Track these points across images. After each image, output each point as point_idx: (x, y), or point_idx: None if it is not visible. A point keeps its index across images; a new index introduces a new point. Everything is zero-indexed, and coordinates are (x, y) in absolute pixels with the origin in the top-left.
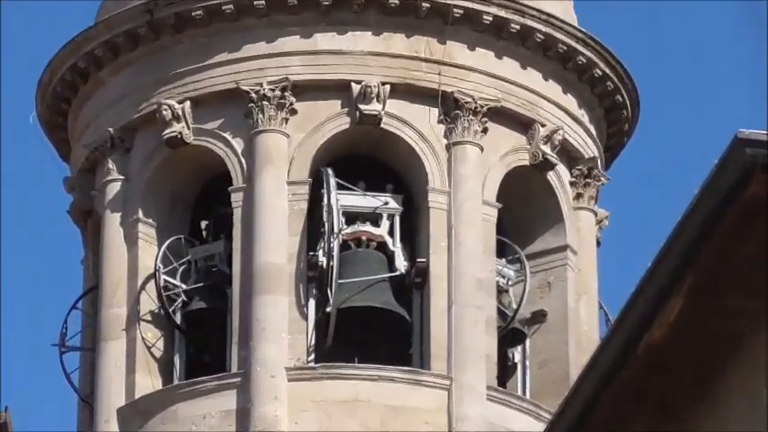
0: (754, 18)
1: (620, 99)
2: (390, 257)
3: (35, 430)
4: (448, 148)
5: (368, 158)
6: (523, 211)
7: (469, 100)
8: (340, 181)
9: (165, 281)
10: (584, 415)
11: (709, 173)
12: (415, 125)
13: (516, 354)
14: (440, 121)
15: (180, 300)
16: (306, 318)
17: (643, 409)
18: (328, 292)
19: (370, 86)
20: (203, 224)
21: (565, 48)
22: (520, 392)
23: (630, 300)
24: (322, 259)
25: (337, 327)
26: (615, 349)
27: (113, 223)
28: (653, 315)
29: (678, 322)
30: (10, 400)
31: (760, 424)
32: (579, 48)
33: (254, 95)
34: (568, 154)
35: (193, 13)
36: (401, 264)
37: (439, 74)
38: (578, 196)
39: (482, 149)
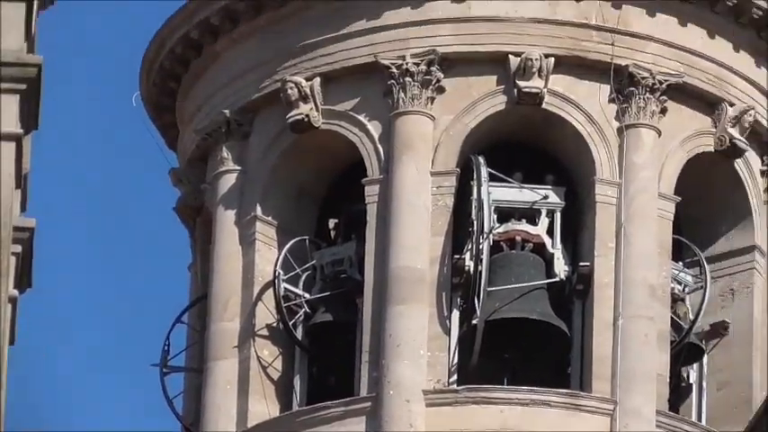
0: None
1: None
2: (549, 261)
3: None
4: (620, 132)
5: (526, 145)
6: (705, 206)
7: (647, 75)
8: (493, 171)
9: (286, 290)
10: None
11: None
12: (583, 105)
13: (692, 373)
14: (611, 101)
15: (302, 312)
16: (448, 332)
17: None
18: (475, 301)
19: (531, 59)
20: (332, 223)
21: (760, 12)
22: (695, 418)
23: None
24: (469, 263)
25: (485, 342)
26: None
27: (227, 222)
28: None
29: None
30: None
31: None
32: None
33: (395, 71)
34: (760, 138)
35: None
36: (561, 268)
37: (612, 44)
38: None
39: (660, 133)
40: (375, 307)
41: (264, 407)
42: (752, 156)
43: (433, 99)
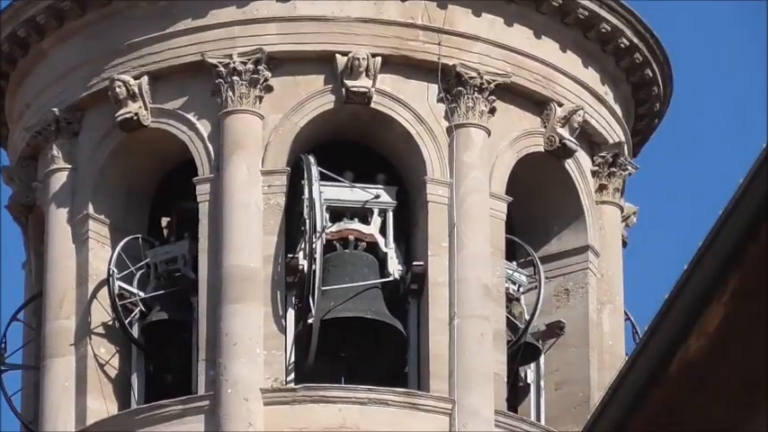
0: None
1: (651, 74)
2: (382, 260)
3: None
4: (449, 131)
5: (356, 144)
6: (537, 206)
7: (474, 75)
8: (323, 170)
9: (120, 288)
10: None
11: (755, 160)
12: (411, 104)
13: (529, 372)
14: (440, 100)
15: (137, 310)
16: (284, 331)
17: None
18: (310, 300)
19: (359, 59)
20: (164, 221)
21: (586, 13)
22: (533, 417)
23: (663, 308)
24: (303, 262)
25: (321, 341)
26: (645, 366)
27: (59, 220)
28: (689, 325)
29: (718, 333)
30: None
31: None
32: (603, 13)
33: (222, 69)
34: (590, 138)
35: None
36: (395, 267)
37: (439, 44)
38: (601, 188)
39: (489, 133)
40: (210, 305)
41: (103, 405)
42: (582, 156)
43: (261, 98)
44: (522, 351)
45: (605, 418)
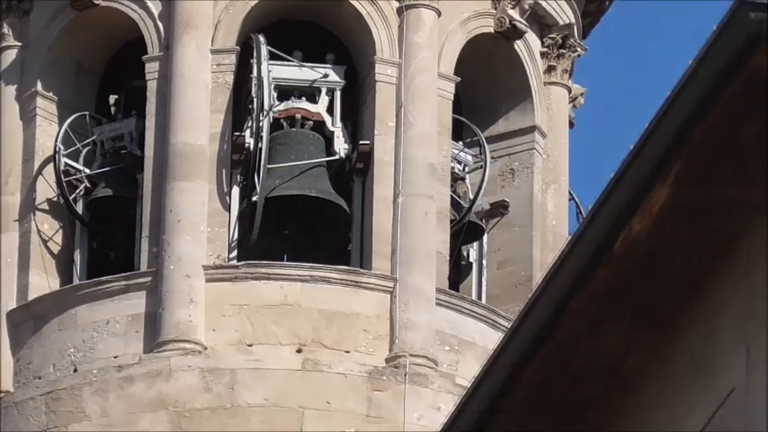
0: None
1: None
2: (329, 139)
3: None
4: (400, 11)
5: (306, 24)
6: (485, 87)
7: None
8: (272, 49)
9: (66, 164)
10: (550, 324)
11: (705, 43)
12: None
13: (472, 251)
14: None
15: (82, 186)
16: (228, 208)
17: (619, 317)
18: (255, 178)
19: None
20: (112, 99)
21: None
22: (475, 296)
23: (608, 188)
24: (249, 140)
25: (264, 219)
26: (588, 245)
27: (8, 97)
28: (633, 206)
29: (663, 215)
30: None
31: (758, 334)
32: None
33: None
34: (540, 20)
35: None
36: (341, 146)
37: None
38: (550, 69)
39: (439, 14)
40: (155, 183)
41: (45, 280)
42: (532, 37)
43: None
44: (465, 230)
45: (547, 296)
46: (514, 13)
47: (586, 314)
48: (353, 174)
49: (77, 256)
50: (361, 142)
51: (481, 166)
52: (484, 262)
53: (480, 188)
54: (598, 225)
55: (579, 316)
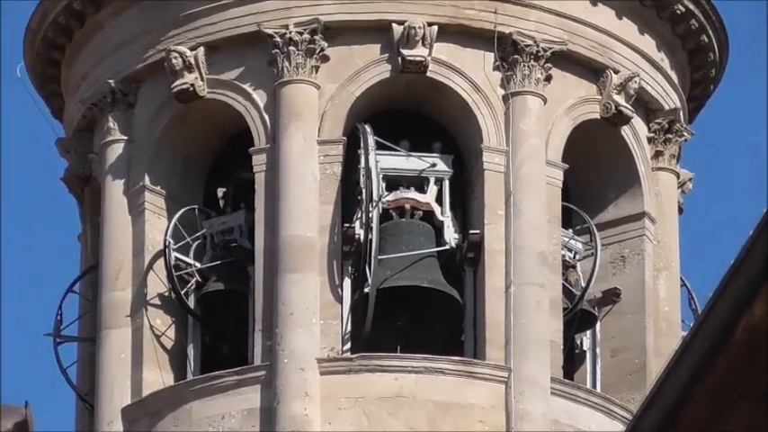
0: None
1: (706, 40)
2: (438, 229)
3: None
4: (505, 99)
5: (412, 113)
6: (593, 174)
7: (530, 42)
8: (380, 140)
9: (177, 259)
10: (672, 413)
11: None
12: (468, 73)
13: (585, 340)
14: (496, 68)
15: (193, 281)
16: (340, 300)
17: (743, 403)
18: (366, 269)
19: (415, 28)
20: (220, 192)
21: None
22: (589, 385)
23: (728, 273)
24: (359, 231)
25: (377, 310)
26: (710, 332)
27: (115, 192)
28: (754, 291)
29: None
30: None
31: None
32: None
33: (278, 40)
34: (646, 105)
35: None
36: (451, 236)
37: (495, 12)
38: (657, 155)
39: (545, 101)
40: (266, 275)
41: (159, 376)
42: (638, 123)
43: (317, 68)
44: (578, 318)
45: (668, 386)
46: (620, 99)
47: (710, 401)
48: (464, 263)
49: (190, 351)
50: (471, 231)
51: (592, 254)
52: (597, 350)
53: (592, 276)
54: (719, 311)
55: (703, 403)
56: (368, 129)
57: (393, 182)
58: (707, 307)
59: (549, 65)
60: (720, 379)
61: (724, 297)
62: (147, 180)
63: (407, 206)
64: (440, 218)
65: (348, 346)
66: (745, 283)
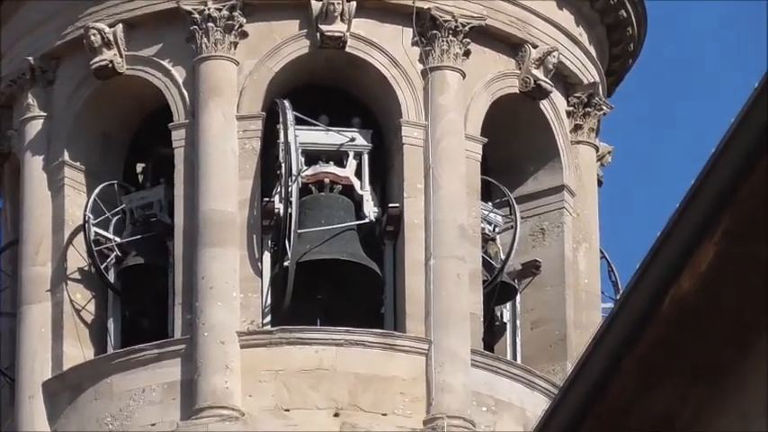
0: None
1: (625, 14)
2: (358, 202)
3: None
4: (424, 74)
5: (331, 88)
6: (513, 147)
7: (449, 18)
8: (299, 114)
9: (96, 233)
10: (600, 385)
11: (751, 94)
12: (386, 48)
13: (505, 312)
14: (414, 44)
15: (113, 255)
16: (260, 274)
17: (669, 375)
18: (286, 243)
19: (333, 3)
20: (139, 167)
21: None
22: (509, 357)
23: (656, 246)
24: (278, 206)
25: (297, 284)
26: (638, 304)
27: (35, 168)
28: (681, 264)
29: (711, 272)
30: None
31: None
32: None
33: (197, 16)
34: (565, 79)
35: None
36: (370, 210)
37: None
38: (576, 128)
39: (464, 75)
40: (186, 250)
41: (79, 350)
42: (557, 97)
43: (236, 44)
44: (497, 291)
45: (596, 358)
46: (539, 73)
47: (637, 373)
48: (384, 237)
49: (111, 325)
50: (390, 205)
51: (511, 227)
52: (518, 322)
53: (512, 248)
54: (647, 283)
55: (630, 375)
56: (287, 104)
57: (312, 156)
58: (634, 278)
59: (468, 40)
60: (646, 352)
61: (650, 269)
62: (66, 156)
63: (327, 180)
64: (359, 192)
65: (268, 319)
66: (673, 254)
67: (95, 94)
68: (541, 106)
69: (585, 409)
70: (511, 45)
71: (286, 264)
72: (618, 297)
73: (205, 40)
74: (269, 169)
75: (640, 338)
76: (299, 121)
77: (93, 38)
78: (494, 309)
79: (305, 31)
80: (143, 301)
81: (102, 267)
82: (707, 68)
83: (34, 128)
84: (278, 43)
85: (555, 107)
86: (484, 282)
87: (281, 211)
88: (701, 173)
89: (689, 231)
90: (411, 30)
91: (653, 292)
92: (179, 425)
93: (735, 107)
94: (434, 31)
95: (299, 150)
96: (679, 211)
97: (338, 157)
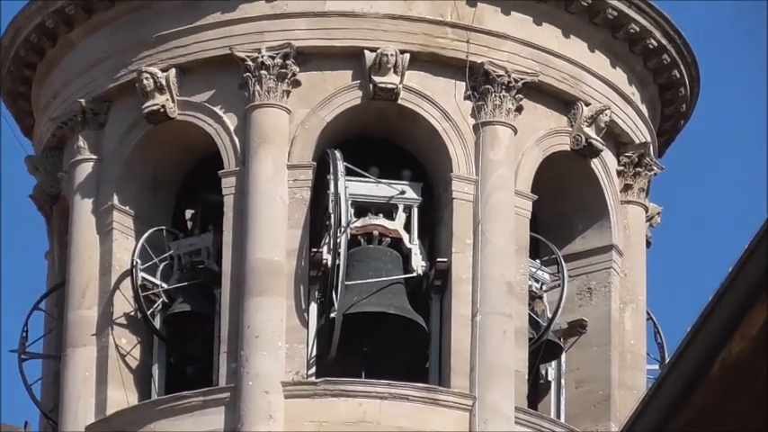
0: None
1: (678, 75)
2: (406, 256)
3: None
4: (476, 128)
5: (382, 140)
6: (562, 205)
7: (502, 73)
8: (349, 165)
9: (144, 279)
10: None
11: None
12: (438, 102)
13: (550, 370)
14: (467, 98)
15: (160, 301)
16: (306, 325)
17: None
18: (333, 294)
19: (387, 55)
20: (188, 214)
21: (615, 13)
22: (553, 415)
23: (706, 309)
24: (326, 256)
25: (343, 335)
26: (687, 367)
27: (84, 211)
28: (732, 327)
29: (762, 336)
30: None
31: None
32: (631, 13)
33: (250, 63)
34: (616, 138)
35: None
36: (418, 264)
37: (467, 41)
38: (626, 188)
39: (516, 131)
40: (233, 298)
41: (123, 395)
42: (608, 155)
43: (288, 92)
44: (543, 349)
45: (644, 420)
46: (591, 131)
47: None
48: (431, 291)
49: (155, 371)
50: (438, 260)
51: (559, 285)
52: (562, 381)
53: (558, 307)
54: (696, 347)
55: None
56: (338, 154)
57: (362, 208)
58: (683, 342)
59: (521, 95)
60: (694, 416)
61: (701, 332)
62: (115, 200)
63: (375, 232)
64: (407, 245)
65: (313, 370)
66: (724, 318)
67: (146, 138)
68: (592, 165)
69: None
70: (563, 102)
71: (333, 315)
72: (666, 360)
73: (258, 87)
74: (318, 219)
75: (687, 403)
76: (349, 172)
77: (145, 82)
78: (539, 366)
79: (358, 81)
80: (188, 347)
81: (148, 313)
82: (758, 128)
83: (84, 170)
84: (330, 93)
85: (605, 166)
86: (530, 339)
87: (329, 262)
88: (754, 236)
89: (741, 294)
90: (464, 84)
91: (702, 356)
92: None
93: None
94: (487, 86)
95: (349, 201)
96: (732, 274)
97: (387, 210)
